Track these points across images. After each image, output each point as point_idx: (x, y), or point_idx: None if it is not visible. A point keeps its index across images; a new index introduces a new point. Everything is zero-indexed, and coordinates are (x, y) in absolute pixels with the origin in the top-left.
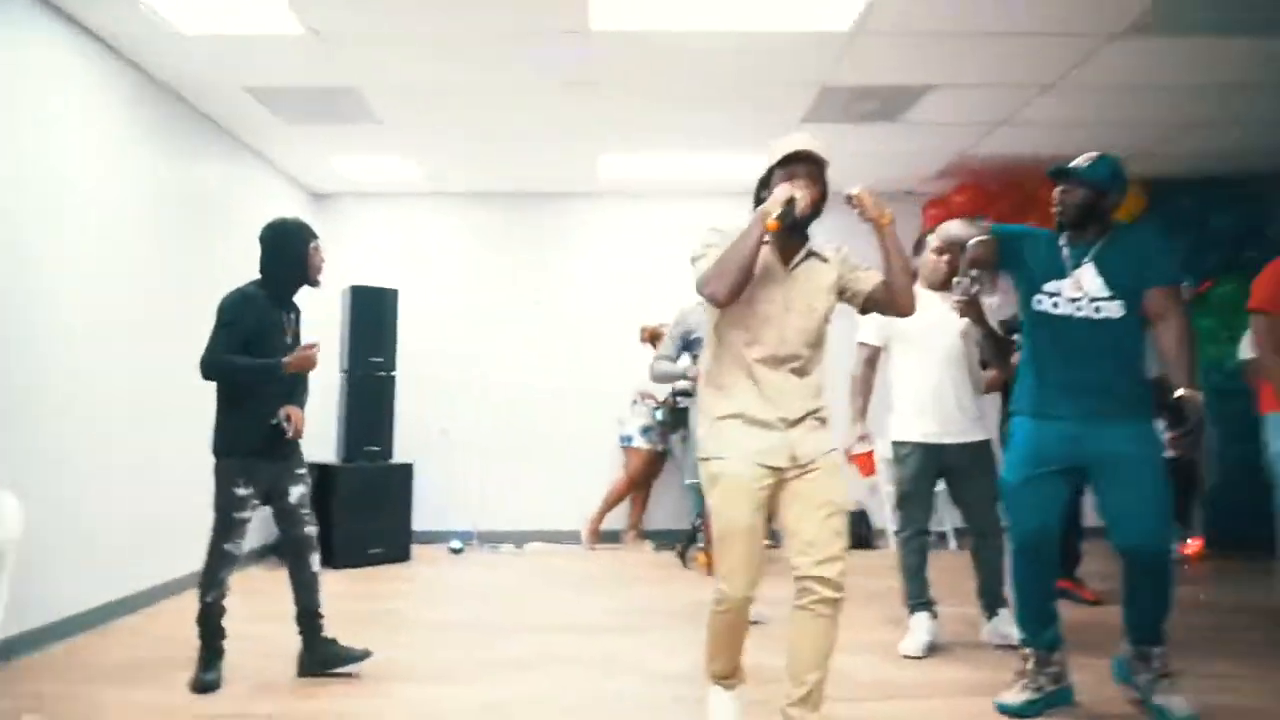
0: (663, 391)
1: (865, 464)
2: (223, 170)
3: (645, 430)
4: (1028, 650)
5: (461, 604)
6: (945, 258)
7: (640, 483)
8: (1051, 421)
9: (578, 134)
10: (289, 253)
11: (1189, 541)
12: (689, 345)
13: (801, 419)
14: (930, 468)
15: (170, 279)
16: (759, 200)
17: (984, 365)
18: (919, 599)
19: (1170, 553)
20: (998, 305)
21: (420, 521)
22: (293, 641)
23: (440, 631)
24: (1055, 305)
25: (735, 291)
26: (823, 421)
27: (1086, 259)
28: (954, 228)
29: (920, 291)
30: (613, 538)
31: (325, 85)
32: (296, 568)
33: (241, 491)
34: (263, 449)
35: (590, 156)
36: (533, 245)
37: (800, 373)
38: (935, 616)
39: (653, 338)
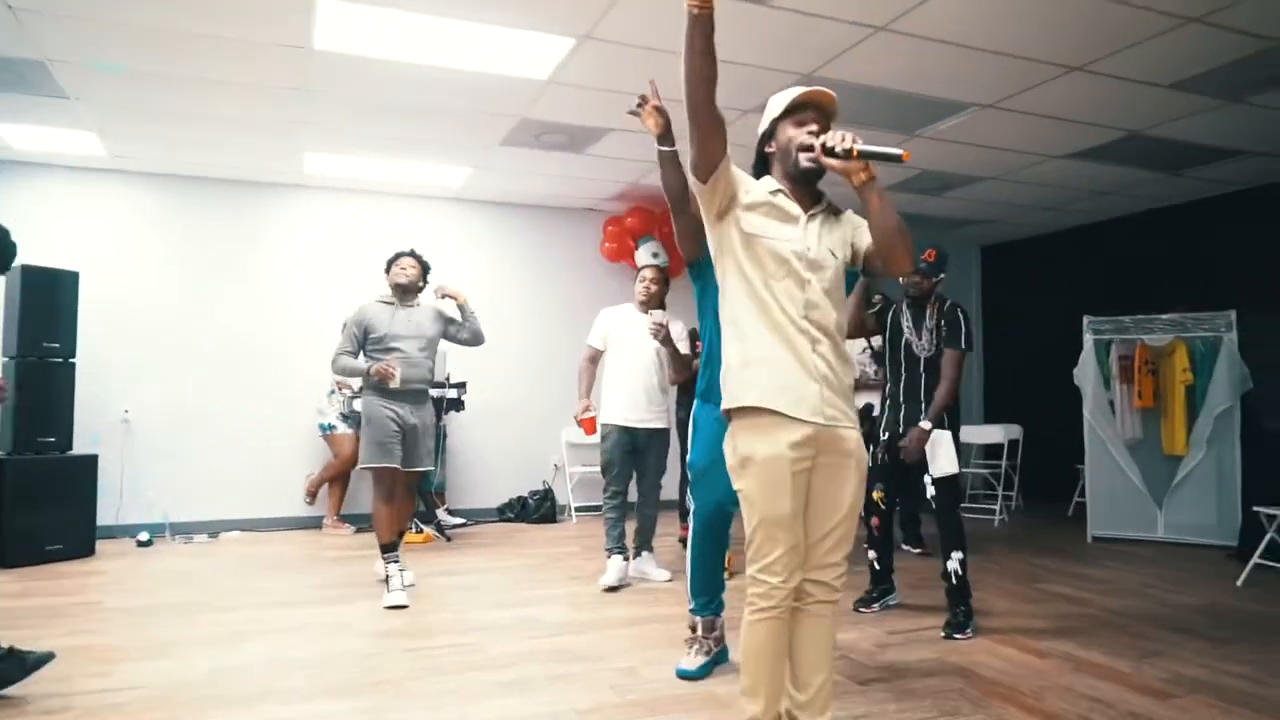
0: (357, 382)
1: (589, 426)
2: None
3: (345, 417)
4: (696, 619)
5: (158, 591)
6: (654, 288)
7: (348, 468)
8: None
9: (286, 131)
10: None
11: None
12: (366, 343)
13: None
14: (626, 443)
15: None
16: (763, 157)
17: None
18: (615, 545)
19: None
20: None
21: (105, 515)
22: None
23: (143, 615)
24: None
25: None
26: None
27: None
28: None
29: (630, 309)
30: (315, 524)
31: (10, 56)
32: None
33: None
34: None
35: (297, 152)
36: (229, 231)
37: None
38: (626, 559)
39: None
